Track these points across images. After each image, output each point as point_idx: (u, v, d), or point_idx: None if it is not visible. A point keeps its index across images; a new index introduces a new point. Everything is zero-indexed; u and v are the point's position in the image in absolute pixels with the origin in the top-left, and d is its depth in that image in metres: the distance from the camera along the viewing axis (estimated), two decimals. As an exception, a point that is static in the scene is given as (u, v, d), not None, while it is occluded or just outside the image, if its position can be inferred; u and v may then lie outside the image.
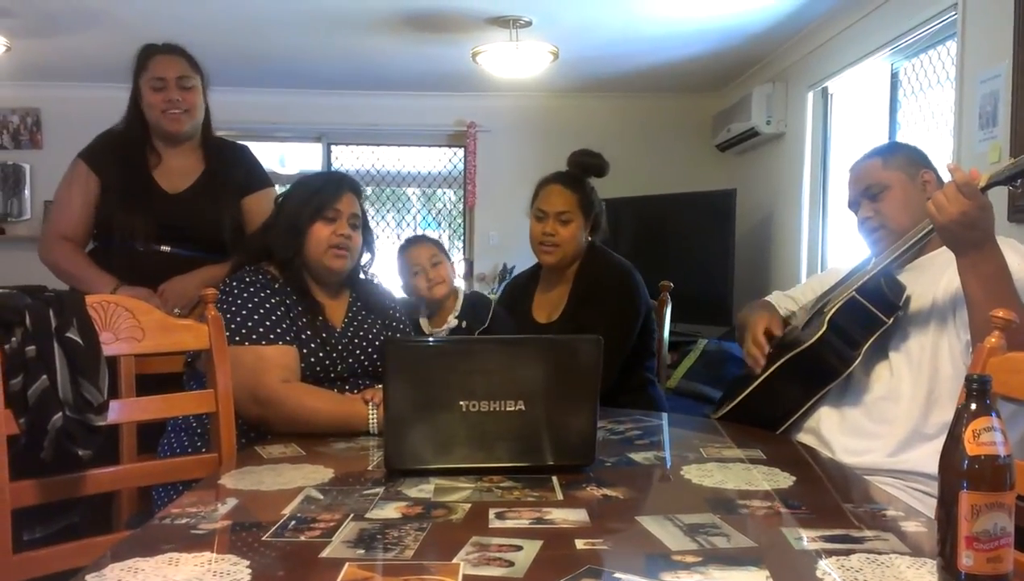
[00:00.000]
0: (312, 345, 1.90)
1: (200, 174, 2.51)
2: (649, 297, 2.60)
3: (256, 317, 1.85)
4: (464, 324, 2.38)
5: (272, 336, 1.84)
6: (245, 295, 1.88)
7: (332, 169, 5.73)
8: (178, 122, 2.46)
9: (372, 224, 2.23)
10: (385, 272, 2.43)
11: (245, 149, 2.68)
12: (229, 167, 2.56)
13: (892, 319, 1.73)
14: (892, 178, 1.83)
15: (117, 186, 2.43)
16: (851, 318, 1.75)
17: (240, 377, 1.76)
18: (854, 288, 1.78)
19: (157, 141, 2.50)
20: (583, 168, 2.57)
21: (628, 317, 2.48)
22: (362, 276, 2.12)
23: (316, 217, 1.95)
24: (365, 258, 2.10)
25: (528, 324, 2.53)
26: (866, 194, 1.85)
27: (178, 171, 2.50)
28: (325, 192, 1.97)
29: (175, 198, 2.46)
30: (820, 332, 1.75)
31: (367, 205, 2.09)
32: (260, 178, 2.63)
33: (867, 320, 1.74)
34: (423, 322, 2.44)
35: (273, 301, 1.89)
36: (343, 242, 1.96)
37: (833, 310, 1.77)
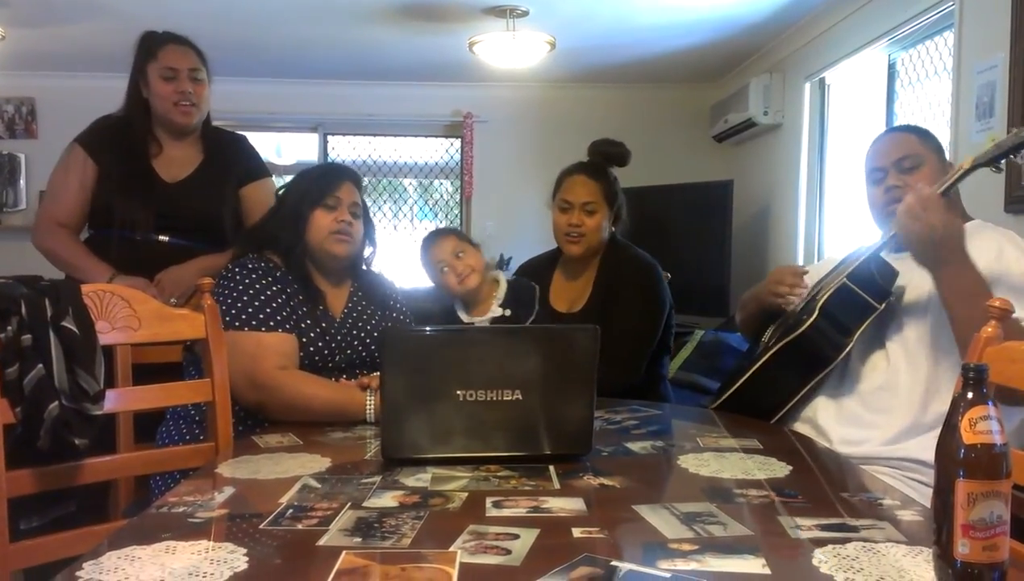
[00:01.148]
0: (312, 334, 1.90)
1: (199, 164, 2.50)
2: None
3: (257, 303, 1.86)
4: (509, 313, 2.28)
5: (272, 323, 1.85)
6: (247, 281, 1.88)
7: (329, 159, 5.72)
8: (188, 115, 2.46)
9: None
10: (387, 264, 2.38)
11: (243, 139, 2.67)
12: (227, 157, 2.56)
13: (883, 305, 1.73)
14: (928, 157, 1.84)
15: (116, 173, 2.41)
16: (842, 304, 1.76)
17: (239, 362, 1.77)
18: (845, 274, 1.78)
19: (160, 131, 2.48)
20: (605, 157, 2.55)
21: (656, 312, 2.47)
22: (364, 268, 2.13)
23: (317, 204, 1.97)
24: (367, 251, 2.11)
25: (547, 312, 2.47)
26: (899, 165, 1.84)
27: (177, 161, 2.49)
28: (325, 181, 2.00)
29: (174, 187, 2.45)
30: (812, 319, 1.76)
31: (363, 196, 2.10)
32: (258, 168, 2.63)
33: (858, 306, 1.74)
34: (461, 315, 2.32)
35: (275, 288, 1.90)
36: (344, 228, 1.97)
37: (825, 297, 1.77)
